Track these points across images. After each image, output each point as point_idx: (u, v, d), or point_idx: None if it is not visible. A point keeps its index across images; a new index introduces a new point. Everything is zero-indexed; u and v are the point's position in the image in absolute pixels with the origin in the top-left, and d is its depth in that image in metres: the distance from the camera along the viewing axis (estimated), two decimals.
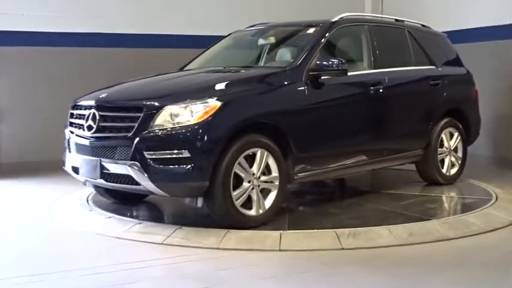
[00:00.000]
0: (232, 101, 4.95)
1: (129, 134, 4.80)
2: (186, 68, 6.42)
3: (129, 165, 4.79)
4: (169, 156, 4.70)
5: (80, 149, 5.24)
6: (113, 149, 4.93)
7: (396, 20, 6.94)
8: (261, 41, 6.41)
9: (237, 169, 4.89)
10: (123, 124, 4.92)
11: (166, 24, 9.14)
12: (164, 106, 4.79)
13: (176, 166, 4.70)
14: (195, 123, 4.71)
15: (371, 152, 6.10)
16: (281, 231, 4.85)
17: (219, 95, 4.89)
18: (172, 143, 4.71)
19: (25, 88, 8.64)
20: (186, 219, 5.40)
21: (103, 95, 5.34)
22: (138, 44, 8.94)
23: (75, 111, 5.42)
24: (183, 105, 4.79)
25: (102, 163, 5.00)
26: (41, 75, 8.66)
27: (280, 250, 4.55)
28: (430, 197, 6.36)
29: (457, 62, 7.47)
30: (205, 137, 4.69)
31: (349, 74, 5.83)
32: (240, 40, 6.59)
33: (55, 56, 8.68)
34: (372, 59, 6.20)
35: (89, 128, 5.13)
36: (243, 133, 4.94)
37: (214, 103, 4.79)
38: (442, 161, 6.95)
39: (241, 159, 4.90)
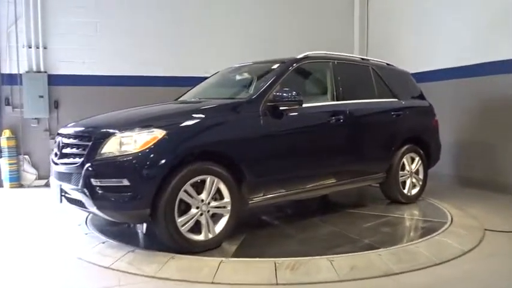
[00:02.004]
0: (177, 130, 3.35)
1: (80, 162, 3.34)
2: (176, 100, 4.89)
3: (80, 191, 3.32)
4: (111, 184, 3.16)
5: (53, 172, 3.80)
6: (69, 174, 3.44)
7: (362, 58, 5.22)
8: (237, 77, 4.85)
9: (183, 196, 3.32)
10: (77, 151, 3.41)
11: (185, 68, 7.68)
12: (110, 135, 3.28)
13: (117, 194, 3.17)
14: (136, 152, 3.17)
15: (333, 175, 4.35)
16: (222, 259, 3.22)
17: (165, 125, 3.32)
18: (114, 171, 3.17)
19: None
20: (148, 240, 3.77)
21: (70, 124, 3.88)
22: (165, 83, 7.59)
23: (55, 139, 4.00)
24: (128, 134, 3.25)
25: (62, 187, 3.57)
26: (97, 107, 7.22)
27: (212, 283, 2.92)
28: (388, 218, 4.47)
29: (420, 96, 5.65)
30: (145, 166, 3.15)
31: (310, 104, 4.23)
32: (222, 76, 5.00)
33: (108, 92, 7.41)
34: (335, 92, 4.47)
35: (55, 154, 3.70)
36: (191, 161, 3.38)
37: (158, 132, 3.24)
38: (404, 183, 5.17)
39: (187, 186, 3.33)
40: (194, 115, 3.56)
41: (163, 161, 3.19)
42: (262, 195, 3.78)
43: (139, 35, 7.57)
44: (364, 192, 5.75)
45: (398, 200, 5.07)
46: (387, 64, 5.41)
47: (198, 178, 3.38)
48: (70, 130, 3.64)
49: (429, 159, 5.43)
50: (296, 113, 3.99)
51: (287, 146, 3.94)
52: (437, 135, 5.59)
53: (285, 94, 3.83)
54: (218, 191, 3.51)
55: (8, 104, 7.05)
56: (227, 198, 3.54)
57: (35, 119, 7.18)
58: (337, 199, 5.45)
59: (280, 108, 3.86)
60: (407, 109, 5.16)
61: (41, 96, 7.12)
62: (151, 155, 3.17)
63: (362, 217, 4.52)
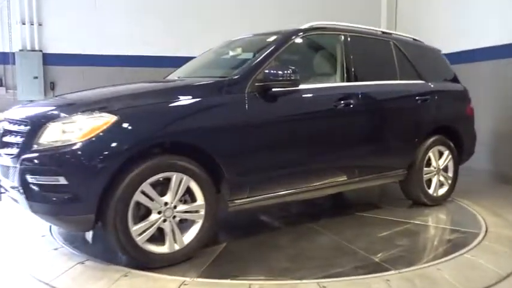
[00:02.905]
0: (134, 115, 2.63)
1: (16, 153, 2.69)
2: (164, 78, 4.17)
3: (16, 189, 2.68)
4: (47, 182, 2.50)
5: None
6: (7, 168, 2.82)
7: (383, 32, 4.35)
8: (230, 53, 4.10)
9: (140, 198, 2.63)
10: (16, 140, 2.73)
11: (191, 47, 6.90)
12: (49, 120, 2.62)
13: (54, 195, 2.49)
14: (77, 142, 2.48)
15: (337, 173, 3.56)
16: (186, 280, 2.54)
17: (119, 108, 2.61)
18: (49, 166, 2.50)
19: None
20: (108, 249, 2.85)
21: (17, 106, 3.20)
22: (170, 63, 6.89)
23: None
24: (71, 119, 2.57)
25: (2, 183, 2.95)
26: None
27: None
28: (407, 226, 3.64)
29: (452, 78, 4.76)
30: (87, 160, 2.46)
31: (312, 86, 3.46)
32: (214, 52, 4.20)
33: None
34: (346, 71, 3.65)
35: None
36: (151, 154, 2.69)
37: (108, 117, 2.56)
38: (430, 181, 4.30)
39: (145, 186, 2.64)
40: (159, 97, 2.84)
41: (112, 154, 2.50)
42: (246, 196, 3.06)
43: (140, 12, 6.93)
44: (381, 189, 4.93)
45: (422, 201, 4.24)
46: (414, 39, 4.54)
47: (160, 176, 2.68)
48: (14, 113, 2.97)
49: (461, 153, 4.54)
50: (294, 96, 3.22)
51: (281, 137, 3.18)
52: (472, 125, 4.68)
53: (279, 72, 3.06)
54: (189, 191, 2.83)
55: (1, 85, 6.58)
56: (200, 200, 2.84)
57: (30, 101, 6.70)
58: (347, 197, 4.66)
59: (273, 89, 3.12)
60: (436, 93, 4.28)
61: (36, 77, 6.59)
62: (97, 146, 2.49)
63: (374, 223, 3.72)
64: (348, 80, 3.67)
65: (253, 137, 3.02)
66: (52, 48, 6.68)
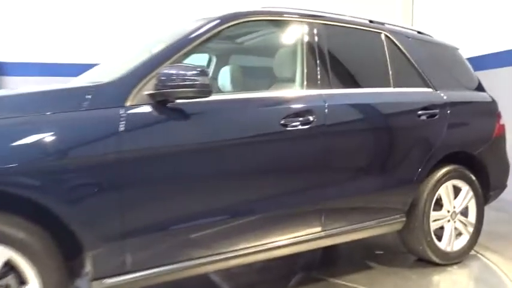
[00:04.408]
0: None
1: None
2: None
3: None
4: None
5: None
6: None
7: (371, 21, 3.09)
8: (152, 48, 2.98)
9: None
10: None
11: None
12: None
13: None
14: None
15: (288, 226, 2.33)
16: None
17: None
18: None
19: None
20: None
21: None
22: None
23: None
24: None
25: None
26: None
27: None
28: None
29: (476, 86, 3.51)
30: None
31: (247, 96, 2.31)
32: (138, 45, 3.11)
33: None
34: (307, 74, 2.45)
35: None
36: None
37: None
38: (441, 230, 3.02)
39: None
40: None
41: None
42: (125, 271, 1.90)
43: (101, 20, 5.95)
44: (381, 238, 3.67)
45: (429, 259, 2.96)
46: (418, 33, 3.31)
47: None
48: None
49: (488, 187, 3.27)
50: (212, 111, 2.09)
51: (187, 175, 2.01)
52: (502, 149, 3.36)
53: (176, 73, 1.94)
54: (15, 269, 1.72)
55: None
56: (34, 284, 1.73)
57: None
58: (321, 252, 3.36)
59: (177, 101, 1.99)
60: (449, 106, 3.01)
61: None
62: None
63: None
64: (310, 87, 2.48)
65: (134, 177, 1.88)
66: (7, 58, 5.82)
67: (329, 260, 3.27)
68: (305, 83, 2.47)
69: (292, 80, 2.53)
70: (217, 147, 2.09)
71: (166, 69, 1.95)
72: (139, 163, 1.88)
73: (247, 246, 2.20)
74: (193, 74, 1.91)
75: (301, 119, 2.32)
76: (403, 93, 2.90)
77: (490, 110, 3.37)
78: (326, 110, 2.42)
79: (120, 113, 1.87)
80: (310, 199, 2.39)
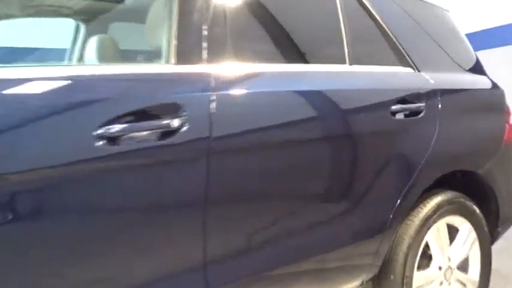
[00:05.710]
0: None
1: None
2: None
3: None
4: None
5: None
6: None
7: None
8: None
9: None
10: None
11: None
12: None
13: None
14: None
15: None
16: None
17: None
18: None
19: None
20: None
21: None
22: None
23: None
24: None
25: None
26: None
27: None
28: None
29: (473, 67, 2.30)
30: None
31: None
32: None
33: None
34: (177, 44, 1.27)
35: None
36: None
37: None
38: None
39: None
40: None
41: None
42: None
43: None
44: None
45: None
46: None
47: None
48: None
49: (496, 221, 2.13)
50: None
51: None
52: None
53: None
54: None
55: None
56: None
57: None
58: None
59: None
60: (439, 97, 1.85)
61: None
62: None
63: None
64: (184, 61, 1.28)
65: None
66: None
67: None
68: (175, 56, 1.24)
69: (157, 54, 1.30)
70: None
71: None
72: None
73: None
74: None
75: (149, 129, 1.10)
76: (366, 75, 1.69)
77: (496, 103, 2.22)
78: (212, 106, 1.20)
79: None
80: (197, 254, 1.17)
